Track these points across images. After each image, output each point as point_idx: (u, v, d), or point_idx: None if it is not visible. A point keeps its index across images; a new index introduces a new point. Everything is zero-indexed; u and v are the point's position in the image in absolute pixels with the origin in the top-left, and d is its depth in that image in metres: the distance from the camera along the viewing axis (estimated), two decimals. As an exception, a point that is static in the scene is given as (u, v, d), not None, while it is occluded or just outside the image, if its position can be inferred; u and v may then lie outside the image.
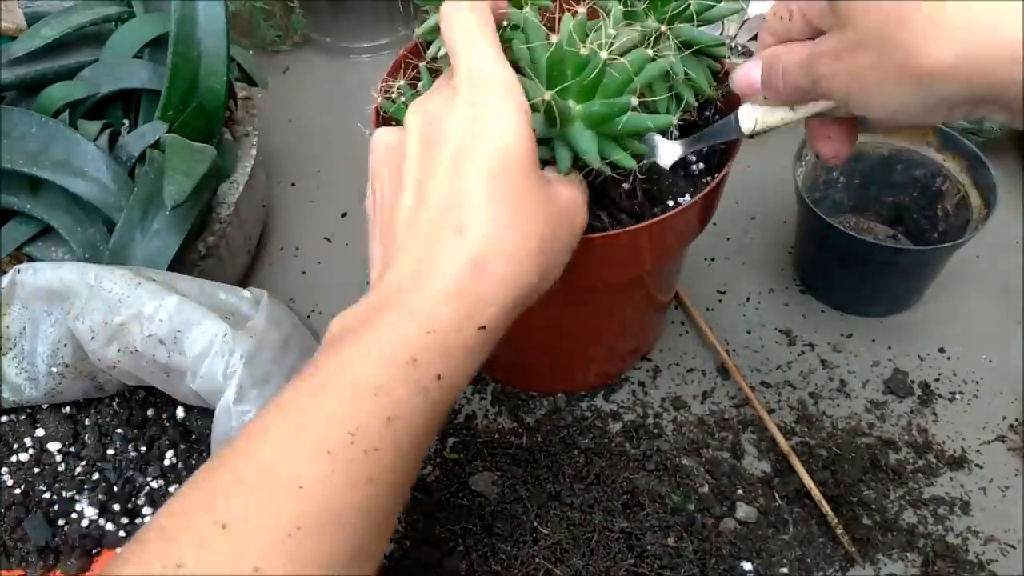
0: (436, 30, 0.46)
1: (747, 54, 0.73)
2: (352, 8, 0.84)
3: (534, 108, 0.36)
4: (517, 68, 0.42)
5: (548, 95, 0.36)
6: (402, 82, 0.47)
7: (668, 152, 0.44)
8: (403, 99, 0.46)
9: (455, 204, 0.33)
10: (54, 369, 0.47)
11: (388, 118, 0.47)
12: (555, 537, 0.49)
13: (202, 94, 0.57)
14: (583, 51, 0.36)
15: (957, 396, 0.58)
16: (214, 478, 0.28)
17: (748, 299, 0.64)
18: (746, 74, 0.36)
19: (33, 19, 0.59)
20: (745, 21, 0.74)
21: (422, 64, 0.46)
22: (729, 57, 0.46)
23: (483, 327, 0.32)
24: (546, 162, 0.41)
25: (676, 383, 0.59)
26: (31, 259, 0.56)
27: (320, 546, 0.27)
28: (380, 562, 0.31)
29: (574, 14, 0.38)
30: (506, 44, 0.41)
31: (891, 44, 0.28)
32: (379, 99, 0.47)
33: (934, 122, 0.33)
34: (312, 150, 0.77)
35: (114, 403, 0.51)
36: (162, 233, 0.53)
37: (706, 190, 0.44)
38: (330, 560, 0.27)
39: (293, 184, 0.74)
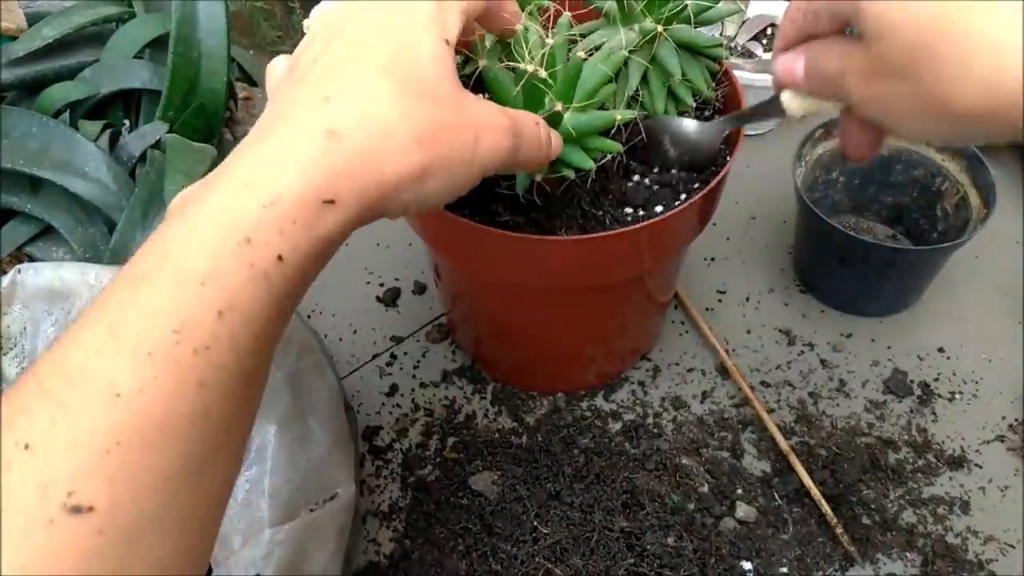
0: None
1: (747, 55, 0.74)
2: (352, 8, 0.84)
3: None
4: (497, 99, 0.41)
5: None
6: None
7: (707, 131, 0.45)
8: None
9: (330, 74, 0.29)
10: None
11: None
12: (555, 536, 0.49)
13: (203, 94, 0.57)
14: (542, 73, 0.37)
15: (956, 396, 0.58)
16: (19, 393, 0.24)
17: (748, 299, 0.64)
18: (790, 65, 0.35)
19: (34, 19, 0.59)
20: (744, 22, 0.74)
21: None
22: (727, 58, 0.47)
23: (331, 201, 0.27)
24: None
25: (676, 383, 0.59)
26: (31, 259, 0.56)
27: (146, 461, 0.23)
28: (229, 477, 0.27)
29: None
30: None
31: (922, 80, 0.27)
32: None
33: (969, 144, 0.33)
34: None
35: None
36: (162, 233, 0.53)
37: (705, 190, 0.44)
38: (160, 476, 0.24)
39: (293, 184, 0.74)
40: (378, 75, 0.29)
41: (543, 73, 0.37)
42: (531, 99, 0.38)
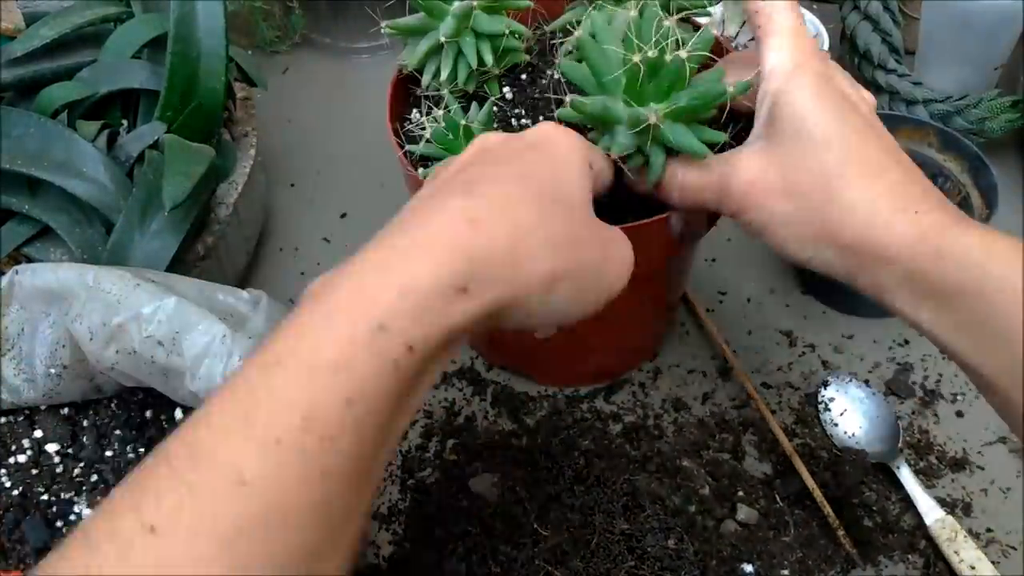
0: (427, 55, 0.46)
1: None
2: (351, 8, 0.83)
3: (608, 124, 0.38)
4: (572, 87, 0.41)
5: (654, 116, 0.37)
6: (419, 117, 0.47)
7: None
8: (433, 130, 0.44)
9: (474, 180, 0.31)
10: (52, 370, 0.47)
11: (422, 160, 0.47)
12: (555, 539, 0.49)
13: (201, 94, 0.57)
14: (651, 53, 0.36)
15: (959, 397, 0.58)
16: (149, 474, 0.24)
17: (749, 300, 0.64)
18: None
19: (32, 19, 0.59)
20: (745, 22, 0.74)
21: (429, 92, 0.46)
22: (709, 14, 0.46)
23: (464, 289, 0.27)
24: (636, 169, 0.41)
25: (676, 384, 0.59)
26: (29, 260, 0.56)
27: (266, 548, 0.23)
28: (342, 564, 0.27)
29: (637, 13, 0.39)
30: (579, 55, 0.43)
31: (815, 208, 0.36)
32: (397, 143, 0.47)
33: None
34: (311, 151, 0.77)
35: (112, 404, 0.51)
36: (161, 234, 0.52)
37: (724, 140, 0.43)
38: (278, 562, 0.23)
39: (292, 185, 0.74)
40: (519, 182, 0.31)
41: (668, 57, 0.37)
42: (632, 88, 0.38)
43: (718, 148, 0.40)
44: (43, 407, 0.50)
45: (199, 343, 0.44)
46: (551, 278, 0.30)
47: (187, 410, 0.50)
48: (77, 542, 0.23)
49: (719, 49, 0.45)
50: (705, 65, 0.39)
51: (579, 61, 0.44)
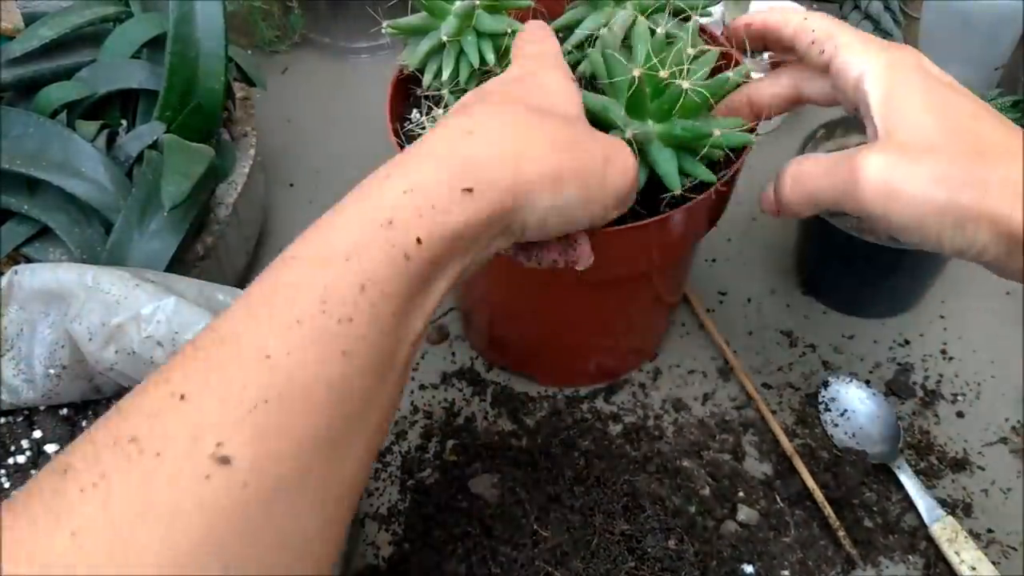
0: (429, 55, 0.46)
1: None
2: (351, 8, 0.83)
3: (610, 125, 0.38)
4: (592, 84, 0.43)
5: (630, 133, 0.38)
6: (419, 117, 0.47)
7: None
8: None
9: (473, 101, 0.33)
10: (51, 371, 0.47)
11: None
12: (555, 540, 0.49)
13: (200, 94, 0.57)
14: (663, 74, 0.37)
15: (959, 398, 0.58)
16: (178, 359, 0.25)
17: (749, 300, 0.64)
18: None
19: (31, 19, 0.59)
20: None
21: (429, 92, 0.46)
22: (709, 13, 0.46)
23: (469, 189, 0.29)
24: None
25: (677, 385, 0.59)
26: (28, 260, 0.55)
27: (289, 421, 0.24)
28: (364, 462, 0.28)
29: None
30: (581, 58, 0.44)
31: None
32: (397, 143, 0.47)
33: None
34: (311, 150, 0.77)
35: (112, 405, 0.51)
36: (160, 234, 0.52)
37: (714, 188, 0.43)
38: (299, 438, 0.24)
39: (292, 185, 0.74)
40: (514, 101, 0.34)
41: (683, 84, 0.38)
42: (635, 100, 0.39)
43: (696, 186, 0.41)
44: (42, 408, 0.50)
45: None
46: (555, 175, 0.32)
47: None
48: (112, 416, 0.24)
49: (728, 54, 0.45)
50: (715, 73, 0.40)
51: (577, 64, 0.44)
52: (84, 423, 0.50)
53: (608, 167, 0.34)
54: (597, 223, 0.36)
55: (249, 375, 0.24)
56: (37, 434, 0.50)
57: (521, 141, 0.32)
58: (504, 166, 0.31)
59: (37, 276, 0.46)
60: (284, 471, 0.24)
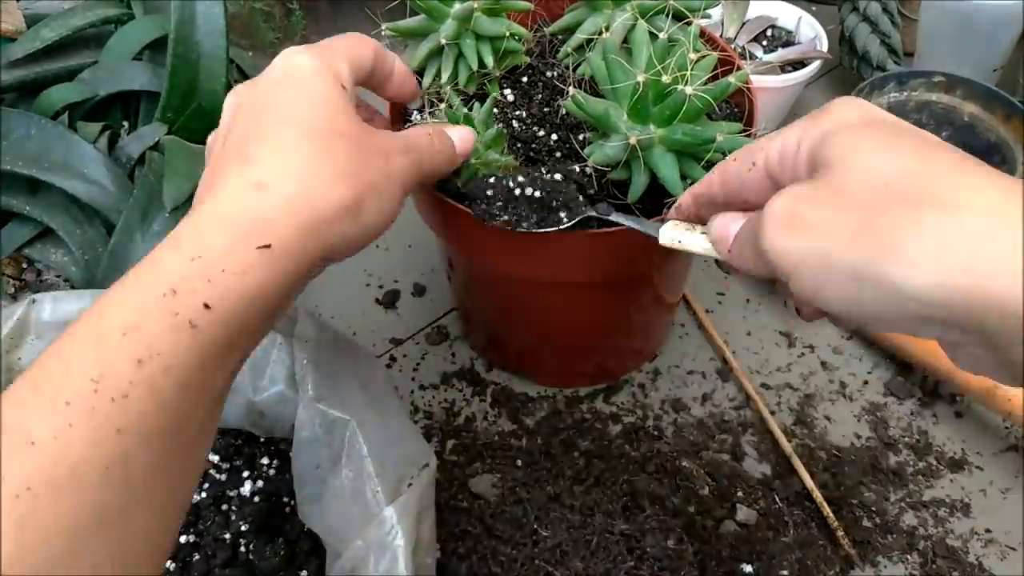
0: (428, 57, 0.46)
1: (748, 56, 0.73)
2: (351, 9, 0.84)
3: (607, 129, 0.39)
4: (592, 87, 0.43)
5: (633, 138, 0.39)
6: (420, 117, 0.47)
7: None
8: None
9: (244, 141, 0.31)
10: None
11: None
12: (555, 539, 0.49)
13: (201, 96, 0.57)
14: (666, 79, 0.38)
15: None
16: None
17: (748, 301, 0.64)
18: (727, 227, 0.32)
19: (33, 21, 0.59)
20: (745, 23, 0.74)
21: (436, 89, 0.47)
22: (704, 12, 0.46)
23: (267, 246, 0.28)
24: (622, 183, 0.42)
25: (676, 385, 0.59)
26: (30, 261, 0.56)
27: (57, 508, 0.23)
28: (158, 531, 0.27)
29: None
30: (580, 60, 0.44)
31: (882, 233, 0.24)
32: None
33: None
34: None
35: None
36: (162, 235, 0.52)
37: None
38: (71, 524, 0.24)
39: (293, 186, 0.74)
40: (286, 127, 0.31)
41: (690, 89, 0.37)
42: (637, 106, 0.39)
43: None
44: None
45: (255, 355, 0.44)
46: (355, 204, 0.31)
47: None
48: None
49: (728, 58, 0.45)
50: (714, 77, 0.40)
51: (577, 66, 0.44)
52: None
53: (391, 167, 0.34)
54: (394, 216, 0.35)
55: (12, 463, 0.23)
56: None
57: (314, 183, 0.30)
58: (300, 212, 0.29)
59: (58, 306, 0.46)
60: (53, 553, 0.23)
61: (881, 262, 0.24)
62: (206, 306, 0.27)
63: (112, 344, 0.25)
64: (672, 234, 0.35)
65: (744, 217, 0.31)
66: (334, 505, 0.40)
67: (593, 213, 0.41)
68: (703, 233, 0.34)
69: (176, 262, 0.27)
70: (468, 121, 0.43)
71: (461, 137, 0.40)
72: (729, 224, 0.32)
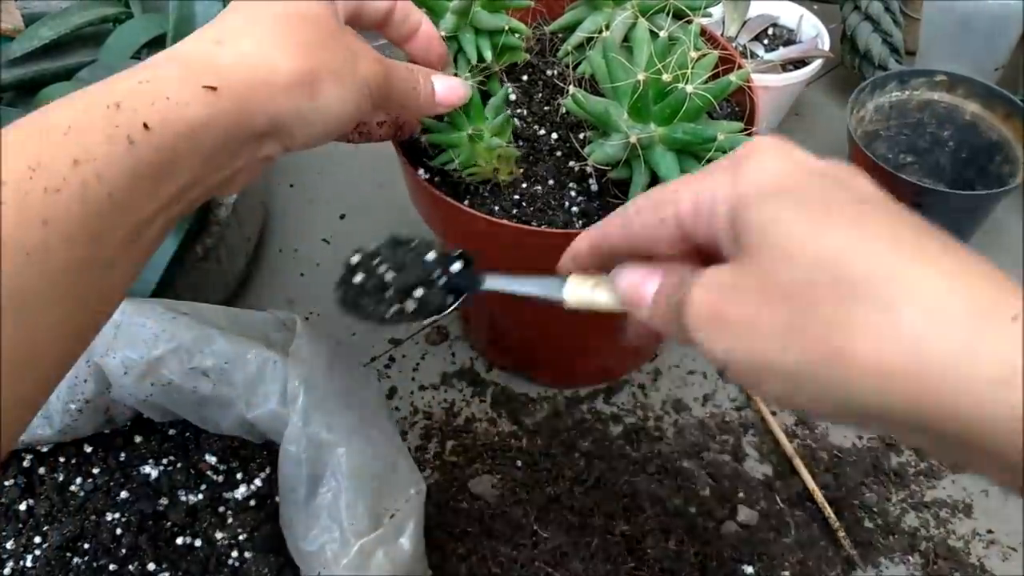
0: None
1: (749, 55, 0.73)
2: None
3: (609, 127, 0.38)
4: (592, 85, 0.43)
5: (634, 136, 0.38)
6: None
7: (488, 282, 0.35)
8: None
9: (221, 16, 0.33)
10: (72, 406, 0.46)
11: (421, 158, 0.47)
12: (555, 540, 0.49)
13: (200, 95, 0.57)
14: (666, 78, 0.37)
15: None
16: None
17: (749, 301, 0.64)
18: (639, 286, 0.29)
19: (31, 19, 0.58)
20: (746, 23, 0.74)
21: None
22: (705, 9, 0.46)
23: (213, 88, 0.29)
24: (622, 182, 0.42)
25: (676, 385, 0.59)
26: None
27: None
28: (62, 332, 0.28)
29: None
30: (580, 59, 0.44)
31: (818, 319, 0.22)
32: (396, 143, 0.47)
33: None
34: (311, 151, 0.77)
35: (125, 434, 0.50)
36: (160, 235, 0.52)
37: None
38: None
39: (292, 185, 0.74)
40: (264, 7, 0.33)
41: (690, 87, 0.37)
42: (638, 104, 0.39)
43: None
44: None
45: (250, 372, 0.43)
46: (311, 77, 0.32)
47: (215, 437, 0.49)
48: None
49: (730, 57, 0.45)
50: (714, 76, 0.40)
51: (577, 65, 0.44)
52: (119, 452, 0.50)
53: (358, 62, 0.34)
54: (364, 112, 0.36)
55: None
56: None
57: (271, 48, 0.31)
58: (254, 72, 0.31)
59: None
60: None
61: (816, 366, 0.22)
62: (145, 126, 0.28)
63: (53, 140, 0.27)
64: (579, 293, 0.31)
65: (656, 273, 0.28)
66: (311, 531, 0.40)
67: (453, 305, 0.34)
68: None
69: (126, 83, 0.29)
70: (478, 109, 0.43)
71: (449, 86, 0.40)
72: (641, 284, 0.29)
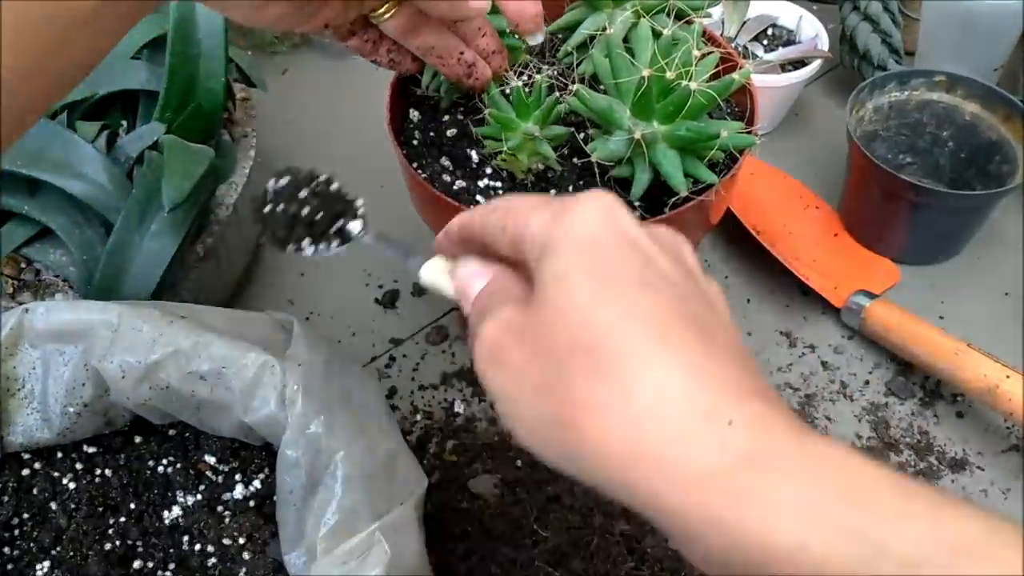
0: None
1: (748, 55, 0.73)
2: (351, 9, 0.83)
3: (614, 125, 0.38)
4: (594, 87, 0.43)
5: (638, 133, 0.38)
6: (418, 116, 0.47)
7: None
8: (494, 104, 0.45)
9: None
10: (71, 409, 0.46)
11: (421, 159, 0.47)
12: (555, 540, 0.49)
13: (200, 95, 0.57)
14: (670, 75, 0.37)
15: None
16: None
17: (749, 301, 0.64)
18: (469, 284, 0.30)
19: (31, 20, 0.58)
20: (745, 23, 0.74)
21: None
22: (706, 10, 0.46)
23: None
24: (625, 180, 0.42)
25: (676, 385, 0.59)
26: (29, 261, 0.55)
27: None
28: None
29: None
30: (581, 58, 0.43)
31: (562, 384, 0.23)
32: (397, 143, 0.47)
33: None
34: (311, 151, 0.77)
35: (125, 437, 0.50)
36: (160, 235, 0.52)
37: (715, 187, 0.43)
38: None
39: (292, 185, 0.74)
40: None
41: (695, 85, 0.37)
42: (642, 101, 0.39)
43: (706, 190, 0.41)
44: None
45: (248, 375, 0.43)
46: None
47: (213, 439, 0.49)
48: None
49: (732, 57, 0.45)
50: (715, 76, 0.40)
51: (578, 64, 0.44)
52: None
53: None
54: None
55: None
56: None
57: None
58: None
59: (52, 315, 0.45)
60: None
61: (555, 431, 0.23)
62: None
63: None
64: (431, 275, 0.32)
65: (486, 274, 0.29)
66: (309, 532, 0.40)
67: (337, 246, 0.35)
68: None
69: None
70: (519, 94, 0.43)
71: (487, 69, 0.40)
72: (472, 280, 0.30)
